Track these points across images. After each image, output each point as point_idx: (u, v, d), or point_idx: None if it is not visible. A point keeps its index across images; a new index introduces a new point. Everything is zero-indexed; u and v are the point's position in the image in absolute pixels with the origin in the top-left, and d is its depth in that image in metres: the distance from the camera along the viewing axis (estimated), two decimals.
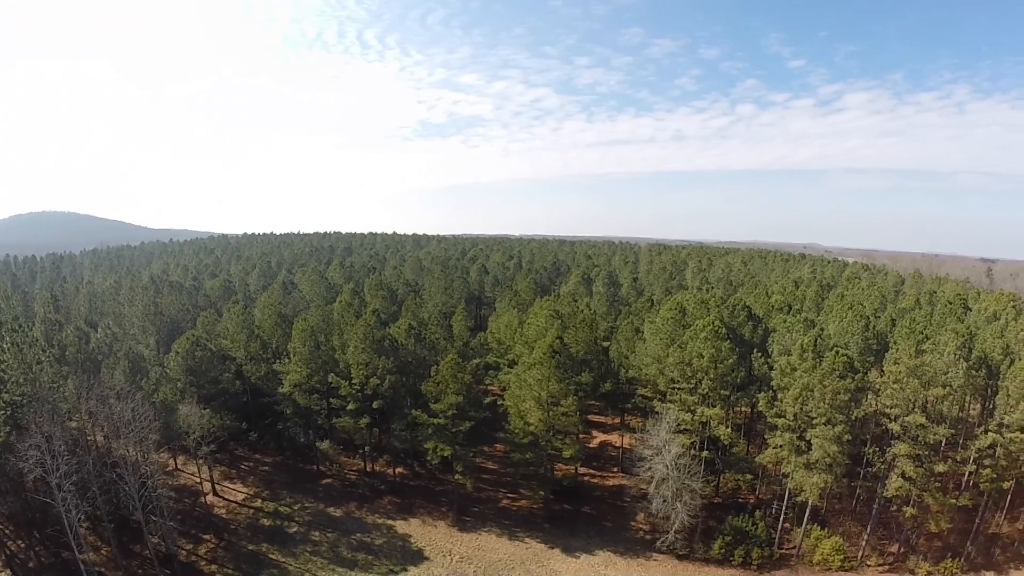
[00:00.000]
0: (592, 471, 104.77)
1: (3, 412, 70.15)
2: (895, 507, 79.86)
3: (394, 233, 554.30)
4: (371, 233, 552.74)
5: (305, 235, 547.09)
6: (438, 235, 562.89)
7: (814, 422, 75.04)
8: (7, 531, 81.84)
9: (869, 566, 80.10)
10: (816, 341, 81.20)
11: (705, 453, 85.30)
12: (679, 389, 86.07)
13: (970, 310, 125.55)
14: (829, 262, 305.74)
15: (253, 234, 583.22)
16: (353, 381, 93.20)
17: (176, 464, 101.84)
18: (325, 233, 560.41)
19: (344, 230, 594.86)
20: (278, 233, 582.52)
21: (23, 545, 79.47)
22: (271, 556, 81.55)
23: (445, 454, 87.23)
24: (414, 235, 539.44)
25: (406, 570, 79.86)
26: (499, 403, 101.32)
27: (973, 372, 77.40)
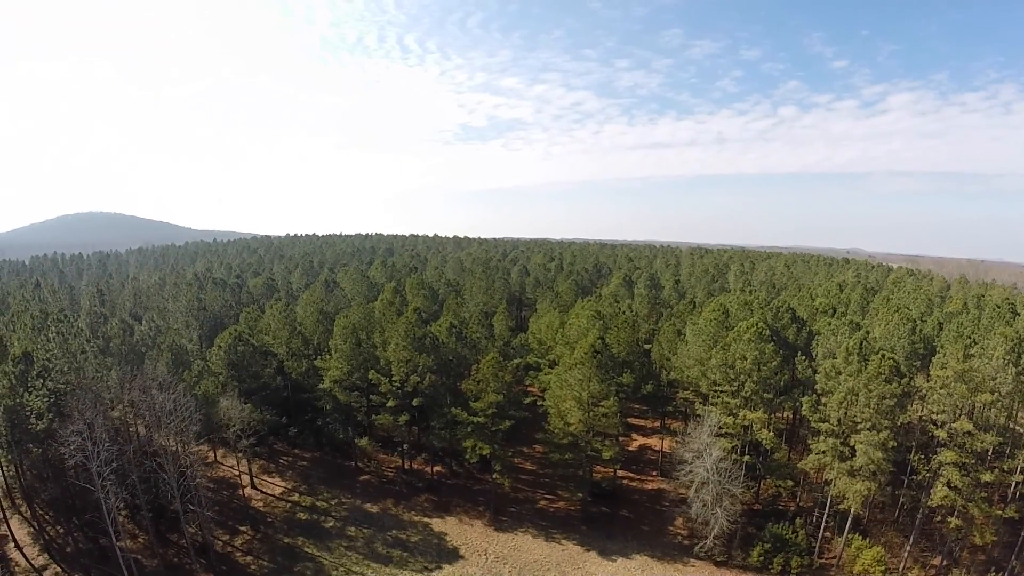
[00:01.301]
0: (631, 474, 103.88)
1: (47, 399, 71.27)
2: (939, 518, 77.94)
3: (435, 235, 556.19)
4: (412, 235, 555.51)
5: (347, 236, 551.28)
6: (479, 238, 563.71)
7: (858, 427, 73.53)
8: (47, 517, 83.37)
9: None
10: (862, 344, 79.56)
11: (746, 458, 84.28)
12: (721, 392, 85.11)
13: (1018, 315, 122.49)
14: (873, 267, 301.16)
15: (296, 235, 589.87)
16: (393, 378, 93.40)
17: (215, 456, 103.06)
18: (367, 235, 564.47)
19: (385, 232, 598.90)
20: (320, 234, 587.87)
21: (62, 531, 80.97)
22: (306, 550, 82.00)
23: (484, 453, 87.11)
24: (455, 237, 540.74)
25: (441, 568, 79.78)
26: (539, 404, 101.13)
27: (1022, 378, 75.25)
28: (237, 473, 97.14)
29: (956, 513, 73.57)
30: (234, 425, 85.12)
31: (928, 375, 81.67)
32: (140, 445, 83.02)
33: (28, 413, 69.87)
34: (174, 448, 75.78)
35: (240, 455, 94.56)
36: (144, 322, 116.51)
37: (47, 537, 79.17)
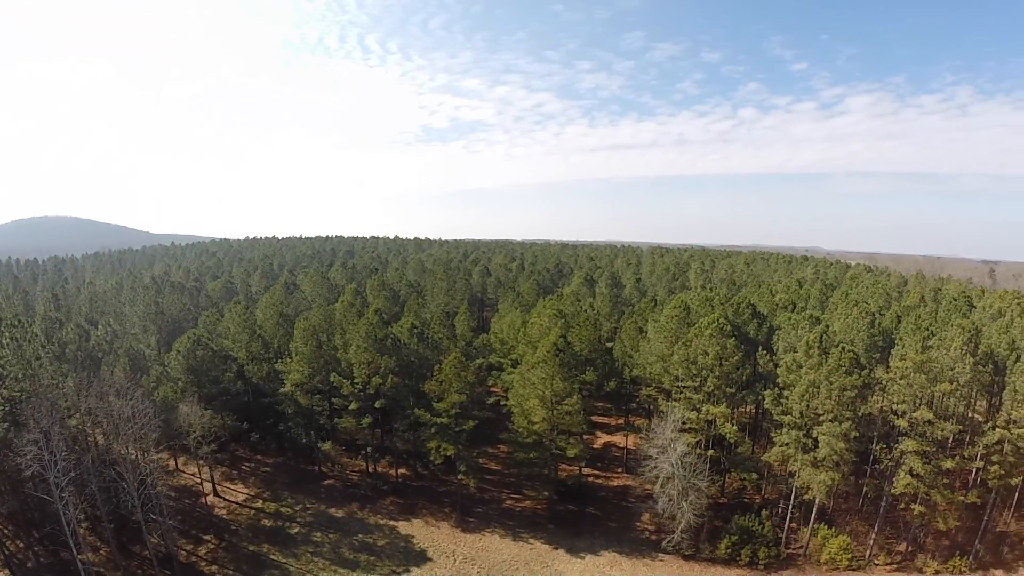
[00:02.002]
0: (596, 472, 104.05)
1: (1, 408, 69.52)
2: (903, 505, 79.04)
3: (396, 237, 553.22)
4: (373, 237, 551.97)
5: (307, 239, 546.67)
6: (441, 239, 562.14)
7: (820, 419, 74.37)
8: (6, 531, 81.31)
9: (877, 565, 79.37)
10: (822, 338, 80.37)
11: (711, 452, 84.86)
12: (684, 387, 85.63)
13: (975, 307, 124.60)
14: (832, 263, 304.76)
15: (255, 238, 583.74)
16: (355, 380, 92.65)
17: (177, 464, 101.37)
18: (327, 237, 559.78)
19: (346, 234, 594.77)
20: (280, 237, 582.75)
21: (22, 545, 78.97)
22: (272, 557, 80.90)
23: (448, 453, 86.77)
24: (416, 239, 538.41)
25: (408, 571, 79.20)
26: (502, 404, 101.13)
27: (980, 368, 76.48)
28: (199, 481, 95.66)
29: (919, 500, 74.99)
30: (195, 431, 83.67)
31: (888, 367, 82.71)
32: (99, 454, 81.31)
33: None
34: (133, 456, 74.29)
35: (202, 462, 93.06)
36: (100, 327, 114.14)
37: (7, 552, 77.09)
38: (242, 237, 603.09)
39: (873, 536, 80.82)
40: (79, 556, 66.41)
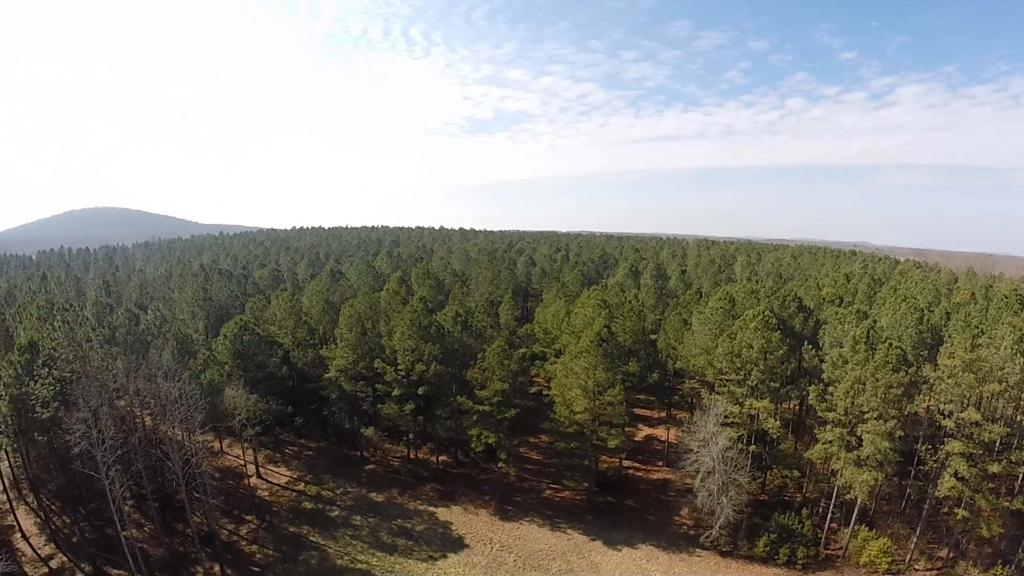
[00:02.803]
0: (637, 464, 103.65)
1: (53, 388, 71.39)
2: (946, 509, 77.20)
3: (441, 228, 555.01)
4: (419, 227, 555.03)
5: (353, 228, 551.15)
6: (485, 230, 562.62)
7: (865, 417, 72.98)
8: (53, 507, 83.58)
9: (917, 570, 77.77)
10: (869, 333, 79.14)
11: (752, 447, 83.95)
12: (728, 380, 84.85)
13: None
14: (880, 259, 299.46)
15: (302, 228, 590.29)
16: (399, 367, 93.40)
17: (221, 446, 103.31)
18: (373, 227, 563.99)
19: (391, 224, 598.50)
20: (326, 227, 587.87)
21: (68, 521, 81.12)
22: (311, 538, 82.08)
23: (489, 441, 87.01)
24: (461, 229, 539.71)
25: (446, 557, 79.78)
26: (544, 394, 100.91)
27: None
28: (243, 463, 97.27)
29: (963, 504, 73.07)
30: (239, 414, 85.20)
31: (935, 365, 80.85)
32: (145, 434, 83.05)
33: (34, 402, 69.71)
34: (179, 437, 75.74)
35: (246, 445, 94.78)
36: (150, 312, 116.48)
37: (53, 527, 79.32)
38: (289, 227, 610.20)
39: (914, 540, 79.11)
40: (123, 532, 68.02)
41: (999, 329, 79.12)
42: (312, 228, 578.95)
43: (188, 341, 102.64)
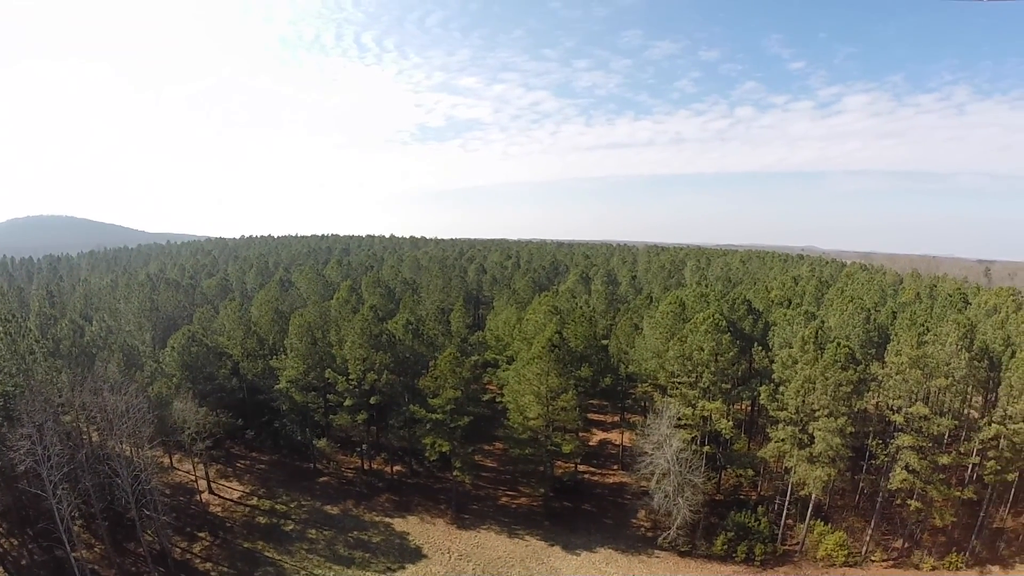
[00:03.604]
0: (592, 469, 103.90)
1: None
2: (899, 501, 79.13)
3: (392, 236, 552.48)
4: (369, 236, 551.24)
5: (302, 237, 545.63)
6: (436, 238, 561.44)
7: (816, 415, 74.31)
8: (0, 528, 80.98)
9: (873, 561, 79.36)
10: (817, 333, 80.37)
11: (706, 448, 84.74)
12: (680, 383, 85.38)
13: (970, 304, 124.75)
14: (827, 262, 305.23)
15: (251, 236, 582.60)
16: (350, 377, 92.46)
17: (171, 461, 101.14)
18: (323, 235, 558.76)
19: (342, 233, 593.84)
20: (276, 235, 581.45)
21: (16, 542, 78.59)
22: (267, 554, 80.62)
23: (443, 450, 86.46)
24: (412, 238, 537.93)
25: (404, 568, 78.93)
26: (497, 401, 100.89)
27: (975, 363, 76.26)
28: (194, 478, 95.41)
29: (915, 496, 75.01)
30: (189, 428, 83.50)
31: (883, 362, 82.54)
32: (93, 450, 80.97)
33: None
34: (128, 452, 74.06)
35: (196, 459, 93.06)
36: (95, 323, 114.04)
37: (1, 549, 76.95)
38: (238, 236, 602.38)
39: (869, 532, 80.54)
40: (73, 553, 66.14)
41: (944, 326, 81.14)
42: (261, 237, 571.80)
43: (135, 353, 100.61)
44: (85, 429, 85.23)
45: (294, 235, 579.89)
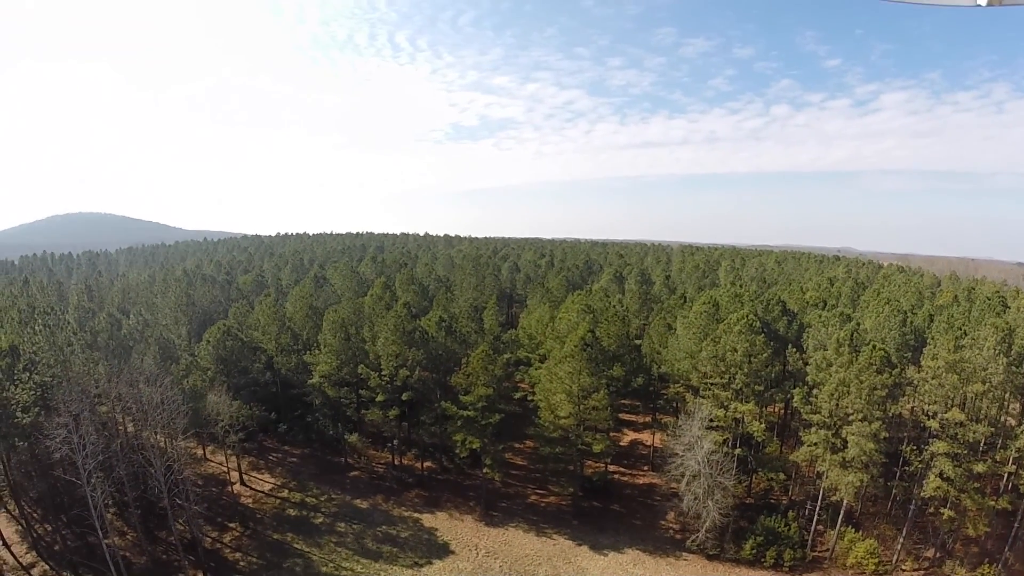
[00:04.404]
0: (622, 469, 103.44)
1: (34, 392, 70.67)
2: (932, 509, 77.52)
3: (426, 234, 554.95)
4: (403, 234, 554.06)
5: (337, 235, 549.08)
6: (470, 236, 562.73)
7: (850, 418, 73.22)
8: (34, 514, 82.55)
9: (904, 570, 77.93)
10: (852, 335, 79.49)
11: (738, 451, 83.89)
12: (712, 384, 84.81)
13: (1008, 308, 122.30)
14: (864, 263, 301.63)
15: (286, 234, 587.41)
16: (383, 372, 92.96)
17: (204, 453, 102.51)
18: (357, 233, 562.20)
19: (376, 231, 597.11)
20: (311, 233, 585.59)
21: (50, 528, 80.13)
22: (296, 546, 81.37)
23: (474, 447, 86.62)
24: (446, 236, 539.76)
25: (431, 563, 79.26)
26: (529, 399, 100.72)
27: (1013, 368, 74.73)
28: (226, 469, 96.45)
29: (949, 504, 73.42)
30: (222, 420, 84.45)
31: (919, 366, 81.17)
32: (127, 440, 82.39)
33: (14, 407, 68.94)
34: (161, 443, 75.18)
35: (229, 451, 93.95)
36: (132, 317, 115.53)
37: (35, 535, 78.26)
38: (274, 233, 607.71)
39: (901, 541, 79.23)
40: (105, 540, 67.05)
41: (982, 330, 79.33)
42: (297, 234, 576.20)
43: (170, 346, 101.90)
44: (120, 420, 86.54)
45: (329, 233, 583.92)
